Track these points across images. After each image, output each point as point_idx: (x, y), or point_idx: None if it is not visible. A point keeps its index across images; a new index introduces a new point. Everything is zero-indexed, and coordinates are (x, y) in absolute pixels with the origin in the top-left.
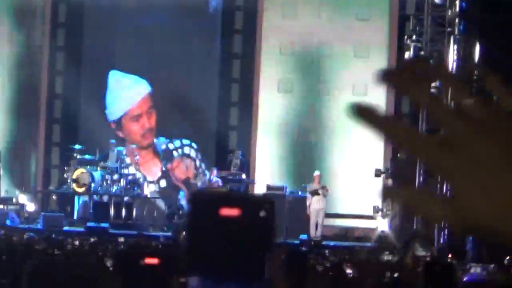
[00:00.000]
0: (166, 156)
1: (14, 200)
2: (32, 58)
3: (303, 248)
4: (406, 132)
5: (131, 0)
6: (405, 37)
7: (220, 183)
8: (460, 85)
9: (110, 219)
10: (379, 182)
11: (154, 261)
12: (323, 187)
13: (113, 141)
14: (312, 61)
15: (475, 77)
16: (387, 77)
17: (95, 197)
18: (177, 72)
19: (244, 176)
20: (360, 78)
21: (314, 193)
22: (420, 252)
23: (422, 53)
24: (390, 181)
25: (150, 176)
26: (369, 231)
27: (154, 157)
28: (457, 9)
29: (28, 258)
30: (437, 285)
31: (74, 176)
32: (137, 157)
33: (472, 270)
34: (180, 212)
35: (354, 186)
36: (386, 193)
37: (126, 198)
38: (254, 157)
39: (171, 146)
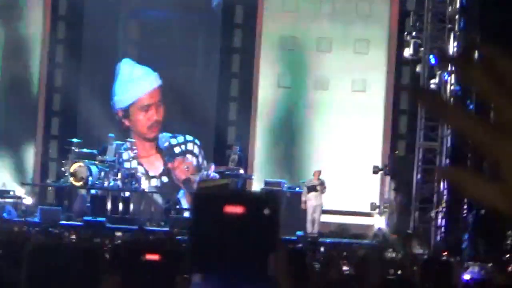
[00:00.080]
0: (168, 153)
1: (11, 193)
2: (27, 49)
3: (300, 245)
4: (464, 117)
5: None
6: (405, 33)
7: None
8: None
9: (107, 213)
10: (376, 179)
11: (155, 257)
12: (322, 184)
13: (111, 135)
14: (312, 56)
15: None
16: (418, 97)
17: (92, 191)
18: (177, 66)
19: (242, 171)
20: (360, 74)
21: (312, 188)
22: (418, 250)
23: (421, 49)
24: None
25: (152, 171)
26: (366, 228)
27: (157, 152)
28: (458, 5)
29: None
30: (435, 283)
31: (71, 170)
32: (135, 150)
33: (470, 269)
34: (177, 207)
35: (352, 182)
36: (439, 173)
37: (123, 193)
38: (253, 152)
39: (174, 141)
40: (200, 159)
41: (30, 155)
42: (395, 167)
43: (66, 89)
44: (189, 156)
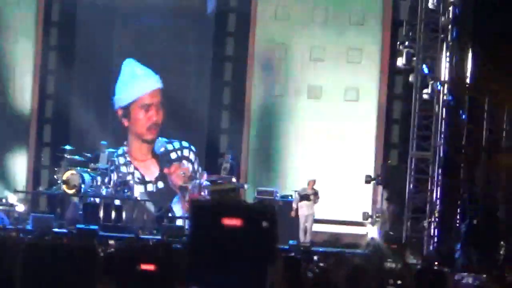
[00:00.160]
0: (164, 158)
1: (3, 200)
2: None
3: (292, 254)
4: None
5: (125, 0)
6: (398, 42)
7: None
8: None
9: (99, 221)
10: (369, 188)
11: (150, 267)
12: (315, 194)
13: (104, 142)
14: (305, 65)
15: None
16: None
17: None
18: (169, 74)
19: (234, 179)
20: (353, 83)
21: (305, 197)
22: (411, 259)
23: (414, 59)
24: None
25: (148, 175)
26: (359, 237)
27: (153, 156)
28: (451, 15)
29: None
30: None
31: (64, 178)
32: (128, 158)
33: (464, 281)
34: (170, 215)
35: (344, 192)
36: None
37: (116, 201)
38: (246, 161)
39: (170, 147)
40: (196, 166)
41: (23, 162)
42: (388, 176)
43: (58, 96)
44: (185, 162)
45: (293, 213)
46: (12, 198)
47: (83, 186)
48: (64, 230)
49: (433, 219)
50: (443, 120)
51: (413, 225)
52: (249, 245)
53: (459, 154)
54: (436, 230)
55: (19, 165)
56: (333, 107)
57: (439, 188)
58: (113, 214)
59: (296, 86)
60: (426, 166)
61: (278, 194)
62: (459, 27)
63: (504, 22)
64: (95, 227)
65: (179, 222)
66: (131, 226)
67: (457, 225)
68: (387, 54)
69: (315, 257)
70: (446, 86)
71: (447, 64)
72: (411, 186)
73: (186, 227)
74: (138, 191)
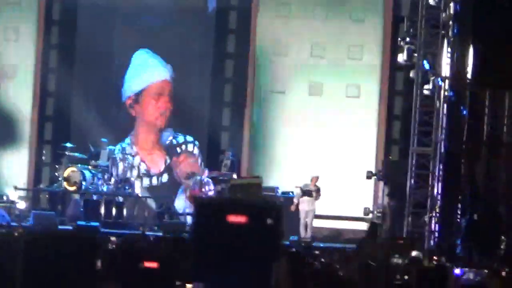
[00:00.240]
0: (170, 151)
1: (4, 197)
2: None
3: (293, 249)
4: None
5: None
6: (399, 39)
7: (212, 185)
8: None
9: (100, 218)
10: (370, 184)
11: (153, 265)
12: (317, 191)
13: (104, 139)
14: (305, 61)
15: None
16: None
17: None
18: (171, 71)
19: (235, 176)
20: (354, 80)
21: (307, 193)
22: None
23: (415, 55)
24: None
25: (154, 168)
26: (360, 233)
27: (159, 148)
28: (451, 11)
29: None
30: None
31: (65, 175)
32: (134, 149)
33: (464, 276)
34: (171, 211)
35: (345, 187)
36: None
37: (117, 197)
38: (247, 158)
39: (174, 141)
40: (199, 161)
41: (24, 160)
42: (389, 172)
43: (59, 94)
44: (191, 156)
45: (293, 207)
46: (13, 195)
47: (84, 183)
48: (69, 227)
49: (434, 214)
50: (444, 116)
51: (414, 220)
52: (254, 242)
53: (460, 149)
54: (437, 225)
55: (20, 162)
56: (334, 103)
57: (440, 184)
58: (114, 210)
59: (297, 83)
60: (427, 162)
61: (279, 191)
62: (459, 23)
63: (505, 18)
64: (97, 223)
65: (180, 219)
66: (132, 223)
67: (458, 220)
68: (388, 50)
69: (316, 252)
70: (447, 82)
71: (448, 60)
72: (412, 181)
73: (188, 222)
74: (141, 185)
